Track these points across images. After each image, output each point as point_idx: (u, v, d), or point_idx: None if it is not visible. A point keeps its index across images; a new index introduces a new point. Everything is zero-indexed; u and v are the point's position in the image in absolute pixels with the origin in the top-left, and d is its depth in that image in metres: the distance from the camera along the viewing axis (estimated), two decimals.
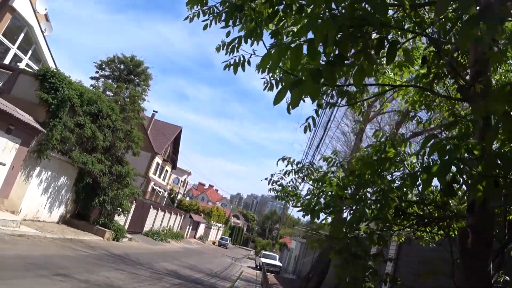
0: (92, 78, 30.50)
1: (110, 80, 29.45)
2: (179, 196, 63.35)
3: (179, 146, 56.13)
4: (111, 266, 12.15)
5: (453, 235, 3.83)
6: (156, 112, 48.54)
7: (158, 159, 48.50)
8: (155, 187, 48.83)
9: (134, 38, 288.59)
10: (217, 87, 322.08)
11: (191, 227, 49.91)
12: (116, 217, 22.68)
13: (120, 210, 20.00)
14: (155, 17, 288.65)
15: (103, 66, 31.00)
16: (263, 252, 34.10)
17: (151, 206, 30.13)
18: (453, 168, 2.16)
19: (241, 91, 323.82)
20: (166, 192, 57.06)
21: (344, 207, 4.17)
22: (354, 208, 3.79)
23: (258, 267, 32.10)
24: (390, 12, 3.53)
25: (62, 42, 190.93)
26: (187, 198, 71.92)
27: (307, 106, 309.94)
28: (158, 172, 50.57)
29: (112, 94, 23.74)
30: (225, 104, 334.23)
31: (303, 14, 2.93)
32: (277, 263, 31.80)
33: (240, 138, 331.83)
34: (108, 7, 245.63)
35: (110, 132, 18.94)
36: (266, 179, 6.49)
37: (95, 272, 10.23)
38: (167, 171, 55.26)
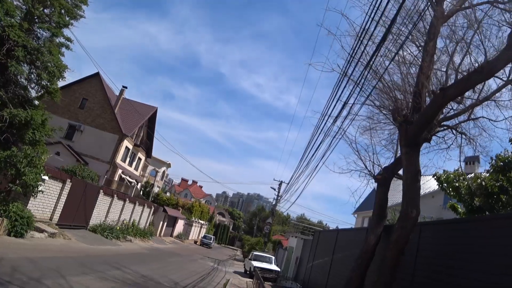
0: None
1: None
2: (156, 190, 54.88)
3: (154, 130, 47.44)
4: None
5: None
6: (126, 88, 39.94)
7: (127, 143, 40.08)
8: (124, 176, 40.32)
9: (120, 37, 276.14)
10: (204, 86, 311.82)
11: (165, 223, 41.56)
12: (31, 201, 14.44)
13: (18, 186, 11.80)
14: (141, 16, 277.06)
15: None
16: (255, 253, 26.08)
17: (101, 191, 21.78)
18: None
19: (228, 91, 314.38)
20: (139, 184, 48.55)
21: None
22: None
23: (248, 273, 24.17)
24: None
25: None
26: (167, 194, 63.31)
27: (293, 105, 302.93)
28: (128, 159, 42.11)
29: None
30: (211, 104, 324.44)
31: None
32: (274, 267, 23.90)
33: (227, 138, 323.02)
34: (93, 5, 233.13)
35: None
36: None
37: None
38: (140, 159, 46.78)
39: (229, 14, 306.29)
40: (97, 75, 39.33)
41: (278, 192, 37.28)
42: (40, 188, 14.60)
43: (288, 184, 32.15)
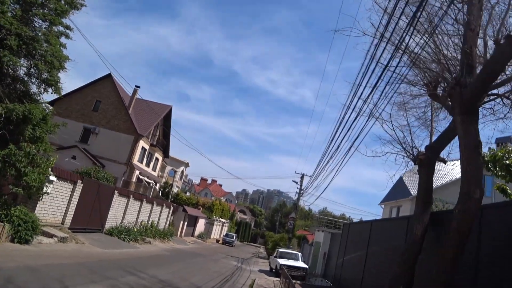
0: None
1: None
2: (175, 190, 54.18)
3: (169, 129, 46.56)
4: None
5: None
6: (139, 87, 39.10)
7: (144, 144, 39.35)
8: (141, 177, 39.61)
9: (132, 41, 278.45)
10: (217, 85, 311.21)
11: (186, 223, 40.62)
12: (40, 205, 13.51)
13: (19, 188, 10.76)
14: (151, 19, 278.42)
15: None
16: (280, 250, 24.73)
17: (116, 191, 20.80)
18: None
19: (241, 89, 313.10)
20: (158, 185, 47.86)
21: None
22: None
23: (274, 271, 22.86)
24: None
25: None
26: (187, 194, 62.61)
27: (309, 98, 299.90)
28: (145, 159, 41.43)
29: None
30: (226, 102, 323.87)
31: None
32: (301, 264, 22.49)
33: (243, 135, 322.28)
34: (104, 12, 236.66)
35: None
36: None
37: None
38: (157, 159, 46.12)
39: (238, 10, 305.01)
40: (109, 76, 38.66)
41: (301, 185, 35.84)
42: (46, 190, 13.66)
43: (312, 176, 30.71)
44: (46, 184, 14.13)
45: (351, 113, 12.00)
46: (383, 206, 34.65)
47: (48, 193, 14.06)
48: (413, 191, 28.20)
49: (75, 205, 16.74)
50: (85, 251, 13.62)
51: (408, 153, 10.50)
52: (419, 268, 8.72)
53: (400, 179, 33.93)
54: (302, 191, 34.60)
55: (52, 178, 14.37)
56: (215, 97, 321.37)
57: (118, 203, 21.28)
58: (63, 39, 13.21)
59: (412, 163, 10.59)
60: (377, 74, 9.33)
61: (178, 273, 14.39)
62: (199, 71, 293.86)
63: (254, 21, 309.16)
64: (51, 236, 13.43)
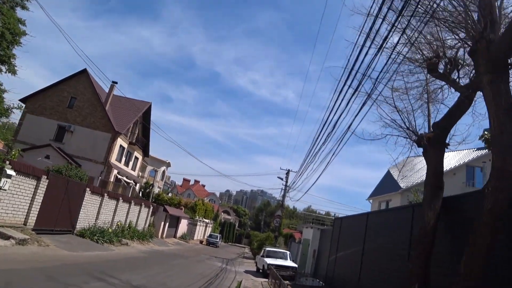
0: None
1: None
2: (156, 190, 52.23)
3: (149, 127, 44.64)
4: None
5: None
6: (116, 83, 37.09)
7: (122, 142, 37.45)
8: (120, 176, 37.68)
9: (114, 43, 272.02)
10: (200, 87, 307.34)
11: (168, 224, 38.83)
12: None
13: None
14: (133, 21, 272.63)
15: None
16: (267, 249, 23.36)
17: (88, 189, 19.03)
18: None
19: (224, 90, 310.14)
20: (138, 185, 45.89)
21: None
22: None
23: (261, 271, 21.50)
24: None
25: (39, 51, 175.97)
26: (169, 195, 60.61)
27: (292, 100, 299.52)
28: (124, 158, 39.50)
29: None
30: (208, 103, 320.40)
31: None
32: (290, 263, 21.17)
33: (226, 136, 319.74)
34: (84, 14, 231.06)
35: None
36: None
37: None
38: (137, 158, 44.18)
39: (221, 12, 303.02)
40: (84, 71, 36.66)
41: (286, 181, 34.59)
42: (2, 185, 11.97)
43: (300, 170, 29.47)
44: (3, 179, 12.43)
45: (345, 93, 10.79)
46: (371, 201, 33.81)
47: (4, 190, 12.35)
48: (403, 184, 27.32)
49: (40, 204, 14.98)
50: (48, 255, 11.92)
51: (412, 132, 9.31)
52: (433, 262, 7.52)
53: (388, 173, 33.13)
54: (288, 187, 33.35)
55: (10, 172, 12.64)
56: (198, 98, 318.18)
57: (90, 202, 19.50)
58: (21, 14, 11.54)
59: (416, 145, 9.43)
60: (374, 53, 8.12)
61: (155, 277, 12.85)
62: (182, 73, 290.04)
63: (237, 23, 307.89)
64: (7, 238, 11.70)
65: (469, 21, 6.17)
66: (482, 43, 5.88)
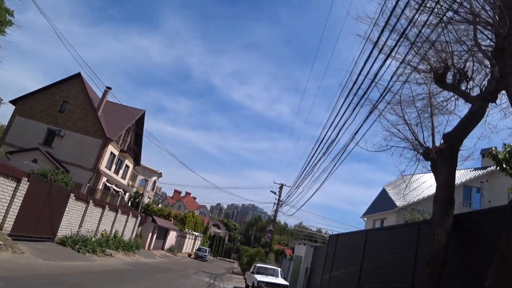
0: None
1: None
2: (146, 200, 51.04)
3: (142, 135, 43.75)
4: None
5: None
6: (110, 88, 36.25)
7: (113, 149, 36.49)
8: (109, 184, 36.57)
9: (112, 51, 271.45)
10: (195, 98, 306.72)
11: (156, 235, 37.64)
12: None
13: None
14: (132, 29, 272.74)
15: None
16: (257, 265, 22.35)
17: (72, 194, 18.08)
18: None
19: (220, 103, 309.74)
20: (128, 194, 44.73)
21: None
22: None
23: None
24: None
25: (37, 56, 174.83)
26: (159, 206, 59.35)
27: (287, 115, 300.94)
28: (114, 166, 38.43)
29: None
30: (203, 116, 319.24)
31: None
32: (281, 281, 20.19)
33: (220, 149, 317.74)
34: (83, 20, 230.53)
35: None
36: None
37: None
38: (127, 166, 43.08)
39: (219, 25, 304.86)
40: (78, 75, 35.94)
41: (279, 196, 33.79)
42: None
43: (295, 184, 28.68)
44: None
45: (350, 102, 10.21)
46: (365, 219, 33.07)
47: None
48: (398, 202, 26.68)
49: (18, 208, 14.04)
50: (20, 263, 10.98)
51: (420, 144, 8.71)
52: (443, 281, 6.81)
53: (384, 190, 32.53)
54: (281, 202, 32.53)
55: None
56: (193, 110, 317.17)
57: (74, 208, 18.53)
58: (10, 4, 10.89)
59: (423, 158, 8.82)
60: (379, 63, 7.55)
61: None
62: (178, 84, 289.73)
63: (234, 36, 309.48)
64: None
65: (497, 18, 5.59)
66: (510, 41, 5.31)
